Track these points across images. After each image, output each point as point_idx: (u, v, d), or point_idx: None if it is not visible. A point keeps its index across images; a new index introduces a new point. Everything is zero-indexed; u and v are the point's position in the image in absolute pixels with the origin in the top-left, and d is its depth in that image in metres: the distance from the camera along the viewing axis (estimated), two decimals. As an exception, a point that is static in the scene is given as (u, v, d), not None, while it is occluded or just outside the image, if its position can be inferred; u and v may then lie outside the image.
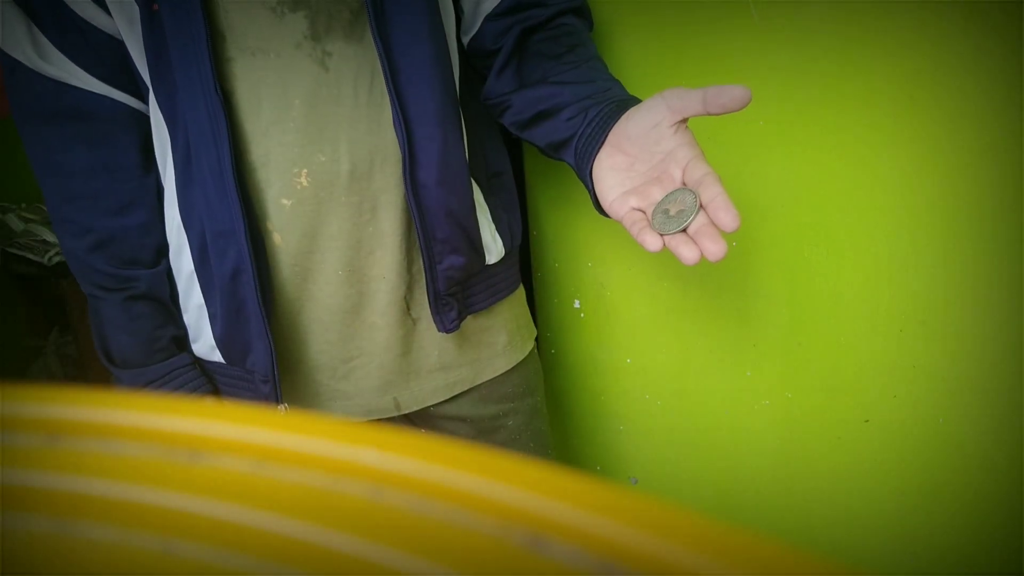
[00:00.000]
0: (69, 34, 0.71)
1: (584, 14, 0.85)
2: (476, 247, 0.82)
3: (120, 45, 0.72)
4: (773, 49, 0.85)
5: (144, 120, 0.76)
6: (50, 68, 0.72)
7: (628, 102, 0.71)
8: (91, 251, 0.77)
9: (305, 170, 0.72)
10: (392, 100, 0.72)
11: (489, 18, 0.80)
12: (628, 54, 0.96)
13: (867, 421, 0.95)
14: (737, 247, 0.97)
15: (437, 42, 0.74)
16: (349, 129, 0.73)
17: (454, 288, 0.81)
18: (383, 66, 0.72)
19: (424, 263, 0.78)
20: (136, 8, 0.69)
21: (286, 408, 0.82)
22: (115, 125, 0.75)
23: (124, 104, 0.75)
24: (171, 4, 0.68)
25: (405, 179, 0.74)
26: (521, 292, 0.94)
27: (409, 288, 0.80)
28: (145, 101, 0.76)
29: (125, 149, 0.76)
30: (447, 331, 0.82)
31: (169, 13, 0.68)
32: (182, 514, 0.17)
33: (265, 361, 0.77)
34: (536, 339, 0.99)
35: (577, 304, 1.16)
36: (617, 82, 0.77)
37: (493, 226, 0.85)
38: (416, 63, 0.73)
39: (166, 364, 0.81)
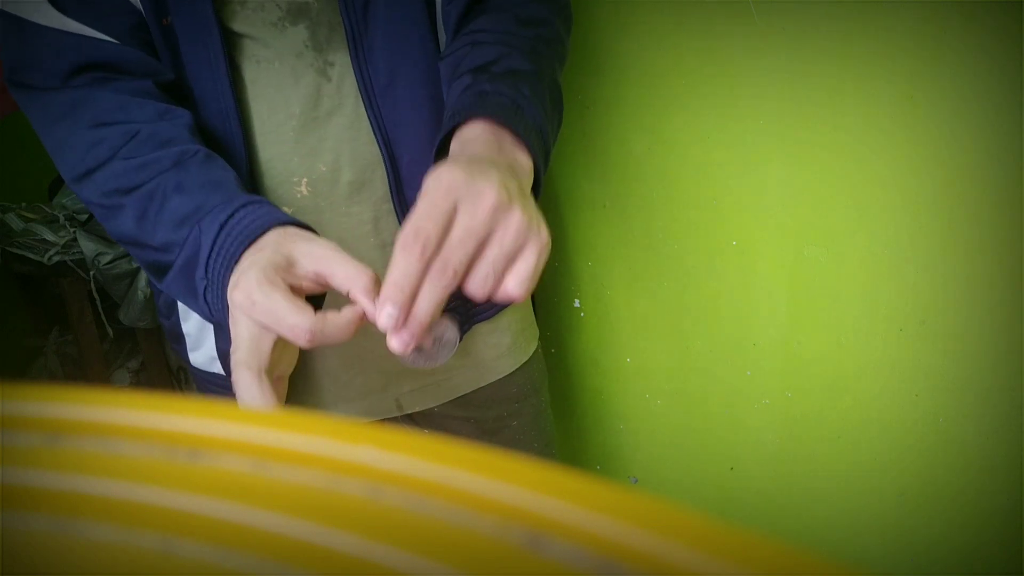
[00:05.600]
0: (93, 6, 0.66)
1: None
2: None
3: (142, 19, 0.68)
4: (773, 49, 0.85)
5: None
6: (60, 21, 0.65)
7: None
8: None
9: (305, 179, 0.72)
10: (372, 124, 0.70)
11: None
12: (628, 54, 0.96)
13: (867, 421, 0.95)
14: (737, 247, 0.97)
15: (428, 61, 0.71)
16: (351, 140, 0.72)
17: (454, 303, 0.80)
18: (360, 88, 0.70)
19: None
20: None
21: None
22: (150, 83, 0.66)
23: (155, 64, 0.68)
24: (185, 14, 0.67)
25: (393, 200, 0.73)
26: None
27: None
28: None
29: (151, 89, 0.67)
30: None
31: (183, 23, 0.67)
32: (182, 514, 0.17)
33: None
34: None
35: (577, 304, 1.16)
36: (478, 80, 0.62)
37: None
38: (402, 83, 0.71)
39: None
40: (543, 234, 0.53)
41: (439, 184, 0.51)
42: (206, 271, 0.57)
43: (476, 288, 0.52)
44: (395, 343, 0.52)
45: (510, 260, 0.52)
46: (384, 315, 0.50)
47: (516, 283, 0.53)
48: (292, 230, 0.56)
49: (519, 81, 0.62)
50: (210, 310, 0.59)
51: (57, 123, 0.66)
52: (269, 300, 0.51)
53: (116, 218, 0.64)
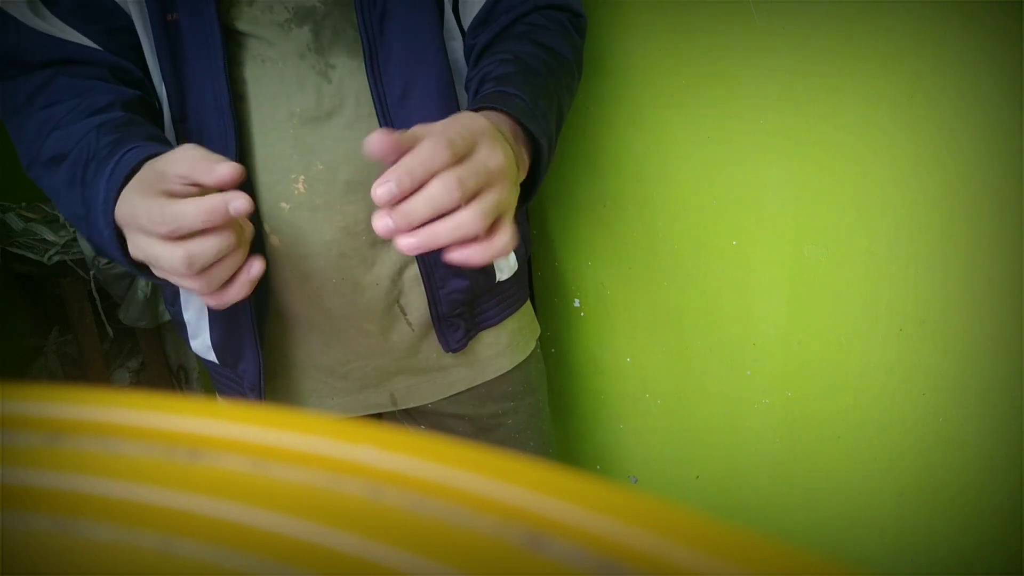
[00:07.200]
0: (81, 9, 0.68)
1: (557, 4, 0.77)
2: (484, 268, 0.82)
3: (131, 24, 0.70)
4: (773, 49, 0.85)
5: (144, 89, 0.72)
6: (44, 24, 0.68)
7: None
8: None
9: (303, 177, 0.73)
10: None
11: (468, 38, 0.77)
12: (629, 55, 0.96)
13: (867, 421, 0.95)
14: (737, 246, 0.97)
15: (441, 73, 0.73)
16: (349, 140, 0.73)
17: (460, 309, 0.81)
18: (374, 97, 0.71)
19: (426, 288, 0.78)
20: (146, 14, 0.69)
21: None
22: (107, 72, 0.69)
23: (123, 63, 0.70)
24: (190, 13, 0.68)
25: None
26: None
27: (404, 294, 0.80)
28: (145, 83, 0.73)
29: (112, 90, 0.68)
30: (452, 351, 0.82)
31: (187, 21, 0.69)
32: (182, 513, 0.17)
33: (254, 371, 0.79)
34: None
35: (577, 303, 1.16)
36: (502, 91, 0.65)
37: None
38: (416, 94, 0.72)
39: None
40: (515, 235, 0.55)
41: (473, 122, 0.54)
42: (104, 213, 0.58)
43: (468, 222, 0.52)
44: (379, 224, 0.52)
45: (492, 218, 0.53)
46: (383, 188, 0.50)
47: (474, 252, 0.54)
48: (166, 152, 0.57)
49: (537, 94, 0.66)
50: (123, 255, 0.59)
51: (18, 111, 0.68)
52: (145, 204, 0.52)
53: (52, 183, 0.66)
